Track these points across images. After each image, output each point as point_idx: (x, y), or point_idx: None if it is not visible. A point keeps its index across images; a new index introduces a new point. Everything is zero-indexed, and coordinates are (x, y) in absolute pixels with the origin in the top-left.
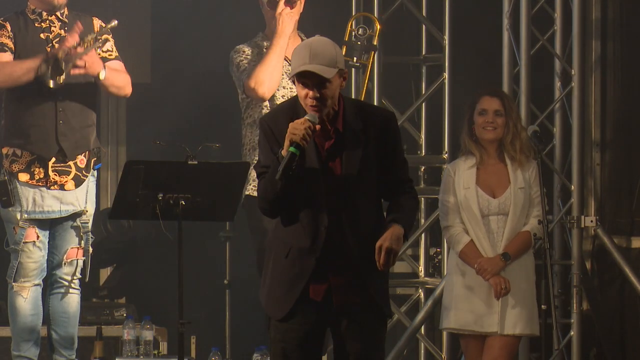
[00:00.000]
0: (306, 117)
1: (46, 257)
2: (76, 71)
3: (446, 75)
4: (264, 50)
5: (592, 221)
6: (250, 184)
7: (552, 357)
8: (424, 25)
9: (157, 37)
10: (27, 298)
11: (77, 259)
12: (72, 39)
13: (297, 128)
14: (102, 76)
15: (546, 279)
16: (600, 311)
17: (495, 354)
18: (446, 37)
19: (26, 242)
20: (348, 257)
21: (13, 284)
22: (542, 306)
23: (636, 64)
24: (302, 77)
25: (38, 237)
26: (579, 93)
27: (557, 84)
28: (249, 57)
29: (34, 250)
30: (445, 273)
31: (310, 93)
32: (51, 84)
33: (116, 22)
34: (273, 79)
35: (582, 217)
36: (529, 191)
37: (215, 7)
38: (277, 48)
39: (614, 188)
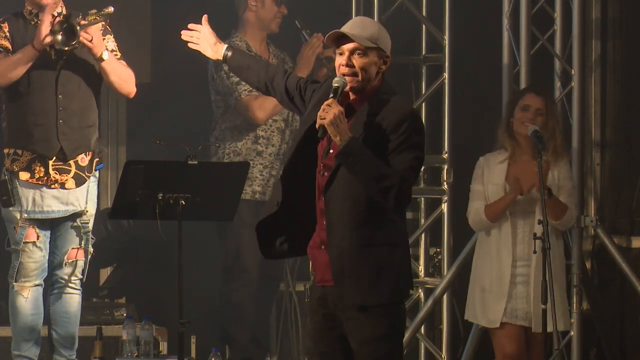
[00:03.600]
0: (335, 79)
1: (47, 258)
2: (83, 40)
3: (446, 75)
4: (246, 52)
5: (592, 221)
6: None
7: (552, 357)
8: (424, 25)
9: (157, 37)
10: (27, 298)
11: (77, 260)
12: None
13: (326, 111)
14: (105, 56)
15: (546, 278)
16: (600, 311)
17: (540, 350)
18: (446, 37)
19: (26, 242)
20: (332, 237)
21: (14, 283)
22: (542, 306)
23: (636, 64)
24: (339, 42)
25: (38, 237)
26: (579, 93)
27: (557, 84)
28: None
29: (35, 250)
30: (445, 272)
31: (344, 60)
32: (66, 49)
33: (112, 8)
34: (276, 110)
35: (582, 217)
36: (556, 189)
37: (215, 7)
38: None
39: (614, 188)
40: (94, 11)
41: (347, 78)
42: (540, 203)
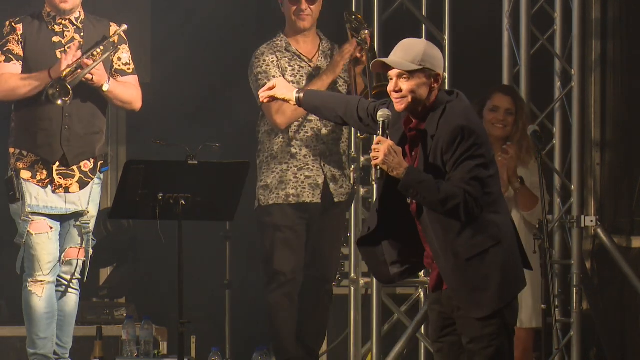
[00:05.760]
0: (379, 113)
1: (59, 252)
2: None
3: (446, 75)
4: (284, 52)
5: (592, 221)
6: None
7: (552, 357)
8: (424, 25)
9: (157, 37)
10: (42, 296)
11: (78, 259)
12: (75, 56)
13: (377, 150)
14: (105, 88)
15: (546, 278)
16: (600, 311)
17: (525, 347)
18: (446, 37)
19: (39, 234)
20: (438, 260)
21: (28, 280)
22: (542, 306)
23: (636, 64)
24: (386, 68)
25: (51, 228)
26: (579, 93)
27: (557, 83)
28: (269, 67)
29: (48, 242)
30: None
31: (392, 86)
32: (59, 102)
33: (126, 26)
34: (297, 114)
35: (582, 216)
36: (528, 186)
37: (215, 7)
38: (316, 86)
39: (614, 188)
40: (100, 49)
41: (396, 101)
42: (514, 199)
